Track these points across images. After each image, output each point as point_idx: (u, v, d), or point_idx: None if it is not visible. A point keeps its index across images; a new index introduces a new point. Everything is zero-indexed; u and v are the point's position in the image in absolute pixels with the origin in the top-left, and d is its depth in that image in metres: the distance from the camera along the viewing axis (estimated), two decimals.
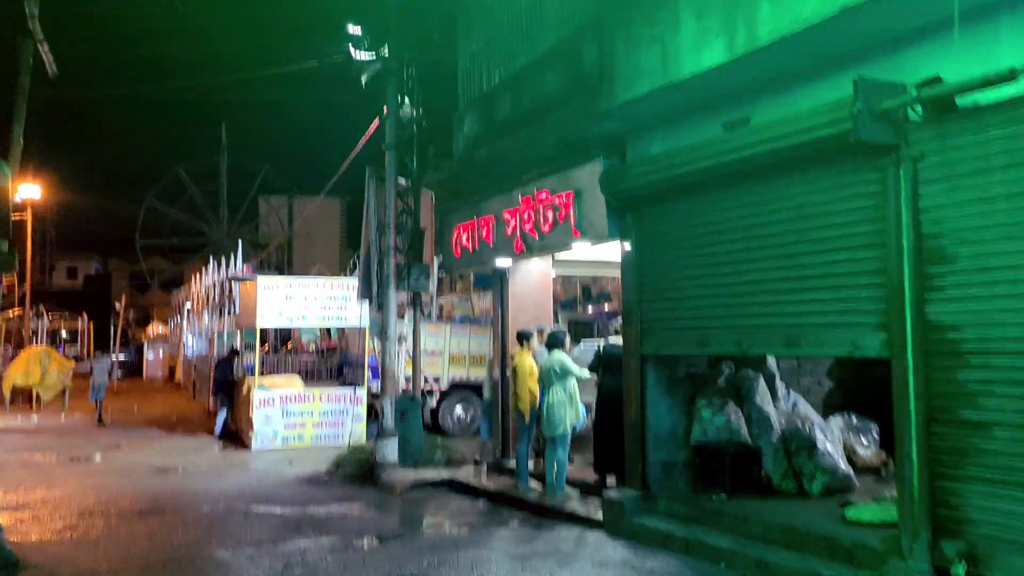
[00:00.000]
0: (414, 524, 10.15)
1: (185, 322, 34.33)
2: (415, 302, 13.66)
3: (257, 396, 16.42)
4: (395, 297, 12.78)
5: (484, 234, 11.47)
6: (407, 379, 15.81)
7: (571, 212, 9.60)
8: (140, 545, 8.89)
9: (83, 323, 39.44)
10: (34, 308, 37.37)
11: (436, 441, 13.92)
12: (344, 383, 20.04)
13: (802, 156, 6.84)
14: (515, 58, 10.93)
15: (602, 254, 11.60)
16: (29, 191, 31.01)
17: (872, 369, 9.92)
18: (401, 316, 15.47)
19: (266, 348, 23.39)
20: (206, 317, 27.30)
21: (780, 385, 9.39)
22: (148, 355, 44.78)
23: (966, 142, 5.82)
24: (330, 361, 22.88)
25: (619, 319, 20.01)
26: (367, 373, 17.71)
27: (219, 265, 25.14)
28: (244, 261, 22.85)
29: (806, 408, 9.51)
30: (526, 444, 10.66)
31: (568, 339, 10.50)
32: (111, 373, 21.97)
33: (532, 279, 12.14)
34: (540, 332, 10.99)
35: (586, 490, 10.08)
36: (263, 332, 17.97)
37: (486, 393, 14.91)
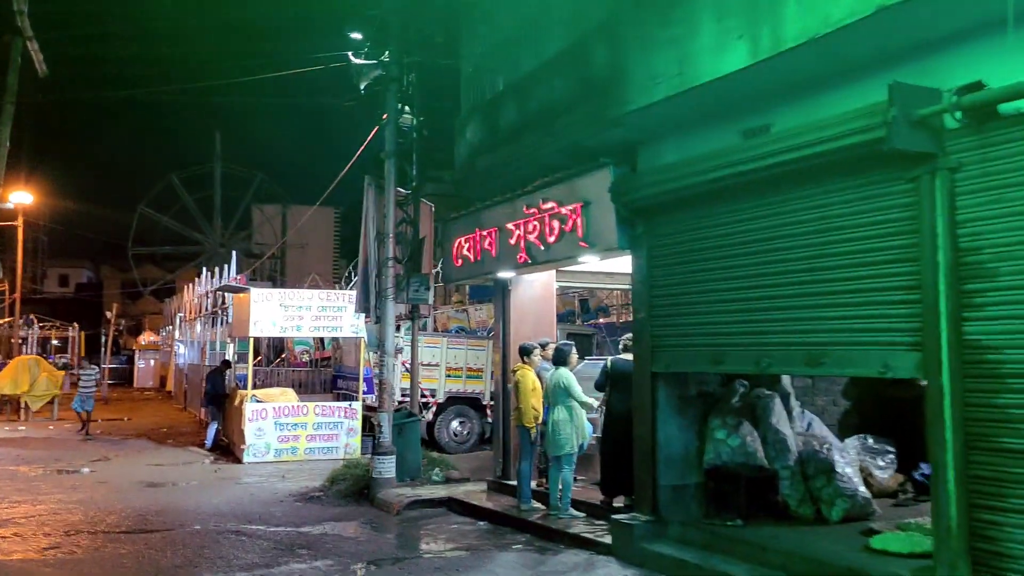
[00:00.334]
0: (412, 547, 9.75)
1: (177, 331, 33.93)
2: (413, 314, 13.28)
3: (250, 408, 16.04)
4: (393, 309, 12.38)
5: (486, 244, 11.11)
6: (403, 392, 15.46)
7: (578, 223, 9.24)
8: (127, 567, 8.51)
9: (74, 332, 38.93)
10: (24, 316, 36.84)
11: (433, 457, 13.53)
12: (338, 396, 19.70)
13: (828, 165, 6.49)
14: (520, 63, 10.60)
15: (605, 266, 11.28)
16: (20, 198, 30.51)
17: (889, 390, 9.64)
18: (397, 328, 15.11)
19: (259, 360, 22.98)
20: (198, 327, 26.92)
21: (795, 405, 9.03)
22: (139, 364, 44.37)
23: (1009, 152, 5.47)
24: (324, 373, 22.50)
25: (623, 334, 19.72)
26: (362, 386, 17.37)
27: (212, 274, 24.76)
28: (238, 271, 22.44)
29: (822, 429, 9.15)
30: (529, 462, 10.27)
31: (575, 354, 10.12)
32: (98, 383, 21.39)
33: (533, 291, 11.77)
34: (543, 346, 10.61)
35: (592, 512, 9.68)
36: (255, 344, 17.57)
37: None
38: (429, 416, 17.16)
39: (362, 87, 13.08)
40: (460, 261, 11.79)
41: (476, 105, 11.43)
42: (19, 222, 30.97)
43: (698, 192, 7.71)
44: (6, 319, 36.27)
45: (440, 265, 16.82)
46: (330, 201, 46.72)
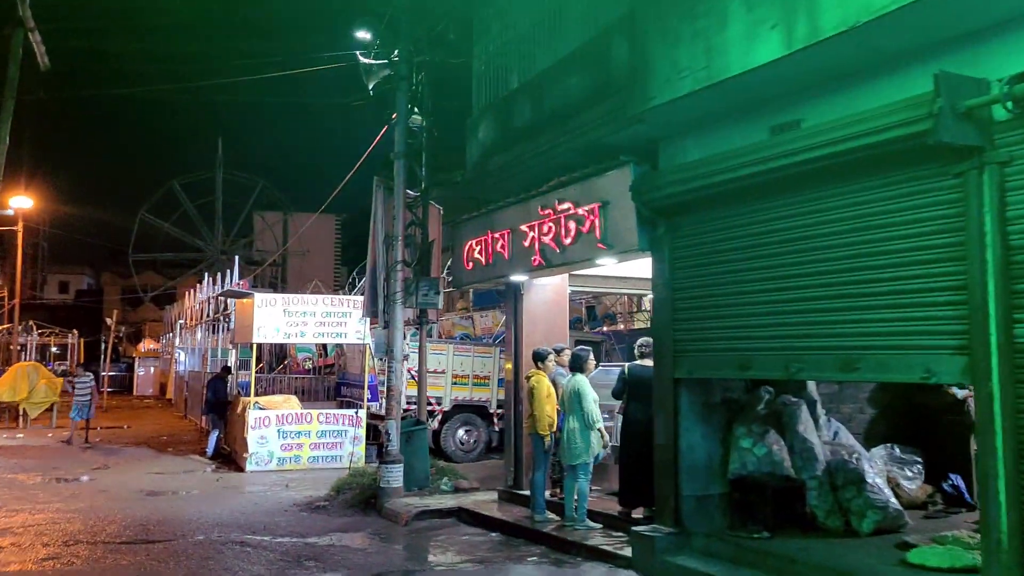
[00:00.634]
0: (422, 559, 9.41)
1: (177, 338, 33.63)
2: (421, 319, 12.97)
3: (252, 416, 15.72)
4: (402, 314, 12.07)
5: (499, 247, 10.80)
6: (408, 400, 15.14)
7: (596, 223, 8.94)
8: None
9: (73, 339, 38.63)
10: (23, 323, 36.54)
11: (441, 466, 13.21)
12: (342, 403, 19.39)
13: (866, 161, 6.20)
14: (534, 60, 10.35)
15: (618, 270, 11.03)
16: (20, 202, 30.23)
17: (917, 397, 9.35)
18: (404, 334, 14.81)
19: (260, 366, 22.67)
20: (199, 333, 26.62)
21: (821, 413, 8.71)
22: (139, 371, 44.06)
23: None
24: (327, 380, 22.19)
25: (631, 340, 19.38)
26: (366, 393, 17.06)
27: (214, 280, 24.47)
28: (239, 277, 22.15)
29: (848, 438, 8.83)
30: (543, 471, 9.95)
31: (592, 359, 9.80)
32: (94, 390, 20.93)
33: (546, 296, 11.46)
34: (557, 352, 10.30)
35: (609, 523, 9.36)
36: (257, 350, 17.27)
37: None
38: (435, 424, 16.84)
39: (371, 87, 12.80)
40: (471, 264, 11.48)
41: (489, 104, 11.14)
42: (19, 227, 30.65)
43: (724, 190, 7.41)
44: (5, 325, 35.95)
45: (448, 268, 16.59)
46: (332, 208, 46.65)
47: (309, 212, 52.32)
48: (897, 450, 9.17)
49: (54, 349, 44.96)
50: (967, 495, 8.94)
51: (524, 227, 10.22)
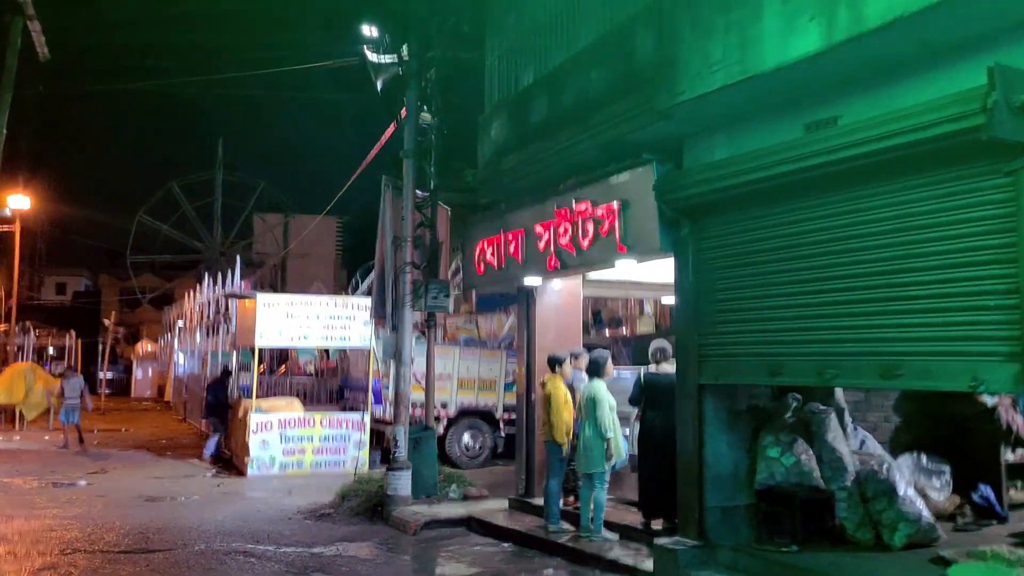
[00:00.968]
0: (432, 570, 9.13)
1: (176, 340, 33.30)
2: (429, 322, 12.66)
3: (254, 419, 15.40)
4: (411, 317, 11.76)
5: (512, 249, 10.49)
6: (414, 405, 14.83)
7: (616, 224, 8.63)
8: None
9: (71, 340, 38.29)
10: (20, 323, 36.18)
11: (450, 472, 12.89)
12: (345, 407, 19.07)
13: (909, 158, 5.92)
14: (550, 55, 10.04)
15: (632, 274, 10.71)
16: (18, 202, 29.89)
17: (944, 405, 9.04)
18: None
19: (261, 369, 22.36)
20: (199, 335, 26.29)
21: (848, 421, 8.41)
22: (137, 373, 43.72)
23: None
24: (330, 383, 21.86)
25: (637, 345, 19.07)
26: (370, 397, 16.75)
27: (215, 282, 24.15)
28: (241, 278, 21.82)
29: (875, 447, 8.55)
30: (558, 480, 9.63)
31: (611, 364, 9.49)
32: (84, 393, 20.54)
33: (559, 299, 11.15)
34: (574, 357, 9.99)
35: (626, 534, 9.04)
36: (258, 353, 16.94)
37: None
38: (440, 430, 16.51)
39: (379, 84, 12.50)
40: (482, 267, 11.17)
41: (502, 101, 10.85)
42: (16, 227, 30.32)
43: (755, 189, 7.12)
44: (2, 327, 35.59)
45: (453, 269, 16.30)
46: (333, 210, 46.42)
47: (310, 214, 52.16)
48: (924, 459, 8.87)
49: (51, 351, 44.57)
50: (997, 506, 8.66)
51: (539, 228, 9.92)
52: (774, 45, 6.41)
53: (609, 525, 9.20)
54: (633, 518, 9.32)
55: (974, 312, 5.61)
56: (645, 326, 24.56)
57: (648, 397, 9.23)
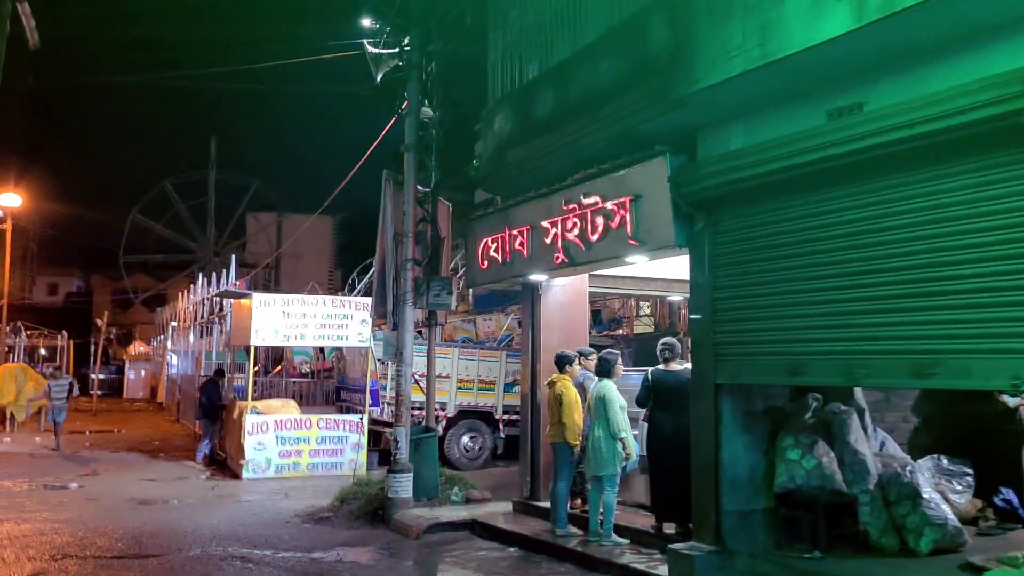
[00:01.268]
0: None
1: (169, 341, 32.94)
2: (431, 321, 12.35)
3: (250, 421, 15.08)
4: (412, 315, 11.44)
5: (517, 244, 10.18)
6: (412, 406, 14.52)
7: (627, 218, 8.33)
8: None
9: (63, 340, 37.89)
10: (11, 324, 35.74)
11: (451, 475, 12.58)
12: (341, 408, 18.75)
13: (941, 145, 5.65)
14: (555, 47, 9.74)
15: (640, 270, 10.45)
16: (8, 200, 29.46)
17: (965, 406, 8.77)
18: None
19: (256, 370, 22.04)
20: (192, 336, 25.94)
21: (868, 422, 8.12)
22: (129, 374, 43.32)
23: None
24: (326, 384, 21.53)
25: (637, 346, 18.79)
26: (368, 398, 16.44)
27: (209, 281, 23.80)
28: (236, 277, 21.48)
29: (895, 448, 8.28)
30: (567, 482, 9.33)
31: (620, 363, 9.19)
32: (70, 393, 20.20)
33: (565, 297, 10.85)
34: (582, 356, 9.69)
35: (637, 539, 8.74)
36: (253, 353, 16.62)
37: None
38: (439, 431, 16.20)
39: (378, 77, 12.20)
40: (486, 263, 10.85)
41: (506, 94, 10.54)
42: (7, 225, 29.91)
43: (774, 180, 6.84)
44: None
45: (454, 267, 16.01)
46: (328, 209, 46.05)
47: (304, 213, 51.80)
48: (945, 461, 8.58)
49: (43, 351, 44.12)
50: (1021, 510, 8.38)
51: (546, 223, 9.61)
52: (799, 27, 6.12)
53: (618, 529, 8.91)
54: (643, 521, 9.04)
55: (1015, 307, 5.33)
56: (644, 326, 24.35)
57: (656, 397, 8.95)
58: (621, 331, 22.84)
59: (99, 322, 37.51)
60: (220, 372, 18.58)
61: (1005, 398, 8.53)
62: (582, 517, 9.35)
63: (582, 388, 9.35)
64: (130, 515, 11.50)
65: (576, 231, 9.09)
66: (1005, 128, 5.18)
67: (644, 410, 9.31)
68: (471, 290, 19.44)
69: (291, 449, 15.36)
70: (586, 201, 8.94)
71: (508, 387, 17.22)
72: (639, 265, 9.47)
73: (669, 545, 7.67)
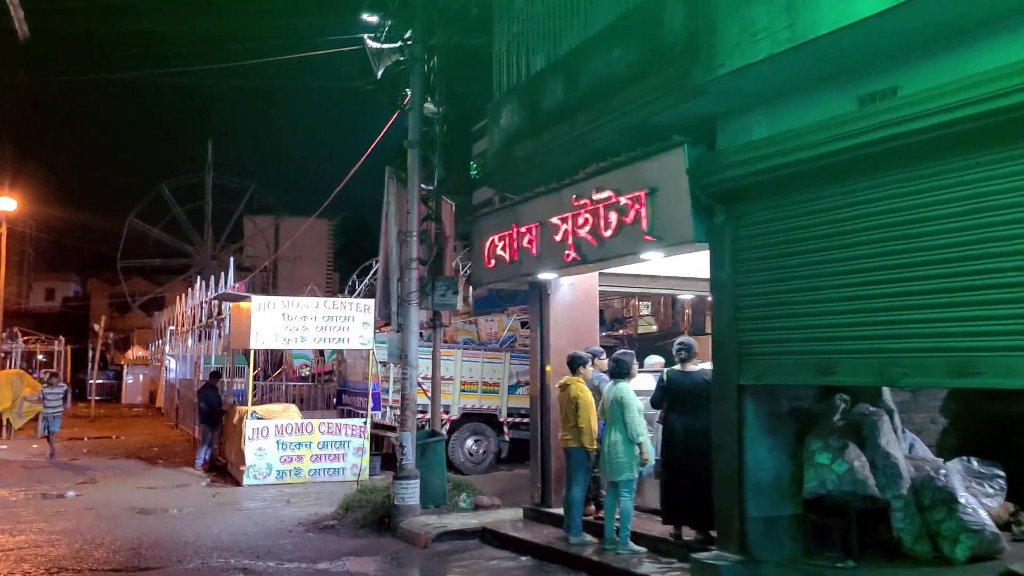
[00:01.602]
0: None
1: (167, 345, 32.60)
2: (436, 322, 12.01)
3: (250, 426, 14.73)
4: (417, 316, 11.10)
5: (525, 242, 9.84)
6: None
7: (642, 213, 7.99)
8: None
9: (60, 346, 37.55)
10: (8, 329, 35.38)
11: (459, 480, 12.23)
12: (342, 412, 18.42)
13: (982, 130, 5.35)
14: (563, 38, 9.42)
15: (650, 268, 10.14)
16: (4, 204, 29.08)
17: (993, 405, 8.43)
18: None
19: (256, 374, 21.70)
20: (191, 340, 25.61)
21: (898, 423, 7.78)
22: (128, 379, 42.98)
23: None
24: (326, 388, 21.19)
25: (640, 346, 18.48)
26: (370, 402, 16.10)
27: (207, 285, 23.47)
28: (235, 280, 21.15)
29: (924, 451, 7.95)
30: (582, 488, 8.98)
31: (636, 365, 8.86)
32: (66, 399, 19.74)
33: (575, 296, 10.51)
34: (596, 356, 9.36)
35: (655, 546, 8.39)
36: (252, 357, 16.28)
37: None
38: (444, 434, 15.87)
39: (379, 72, 11.85)
40: (493, 262, 10.51)
41: (513, 86, 10.20)
42: (2, 229, 29.52)
43: (802, 170, 6.52)
44: None
45: (456, 265, 15.64)
46: (325, 212, 45.76)
47: (301, 216, 51.54)
48: (974, 463, 8.22)
49: (40, 357, 43.76)
50: None
51: (555, 220, 9.27)
52: (831, 6, 5.78)
53: (634, 536, 8.55)
54: (660, 529, 8.68)
55: None
56: (645, 326, 24.04)
57: (672, 398, 8.60)
58: (622, 332, 22.54)
59: (96, 327, 37.13)
60: (217, 375, 18.24)
61: None
62: (596, 524, 9.01)
63: (596, 390, 9.00)
64: (129, 525, 11.16)
65: (588, 227, 8.75)
66: None
67: (659, 412, 8.97)
68: (471, 291, 19.10)
69: (292, 455, 15.02)
70: (598, 196, 8.60)
71: (513, 389, 16.91)
72: (648, 263, 9.17)
73: (692, 555, 7.33)
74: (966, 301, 5.53)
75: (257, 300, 15.41)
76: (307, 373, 23.83)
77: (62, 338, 38.08)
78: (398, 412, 15.19)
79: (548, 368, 10.32)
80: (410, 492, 10.61)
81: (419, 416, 13.55)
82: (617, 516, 8.48)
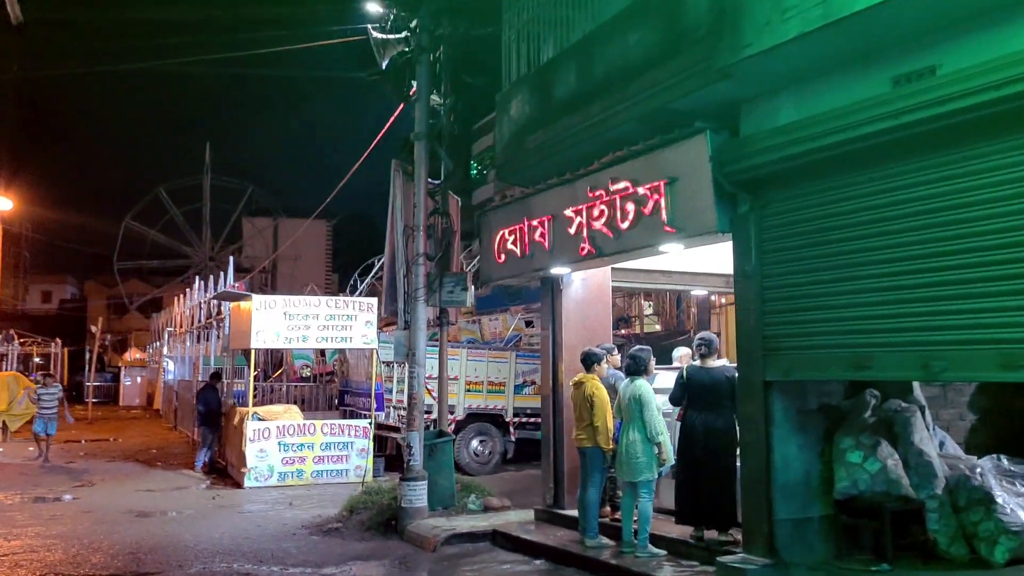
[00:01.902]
0: None
1: (166, 347, 32.27)
2: (442, 319, 11.70)
3: (251, 427, 14.43)
4: (425, 313, 10.79)
5: (537, 236, 9.53)
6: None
7: (661, 203, 7.68)
8: None
9: (56, 348, 37.23)
10: (4, 332, 35.05)
11: (467, 482, 11.92)
12: (345, 413, 18.11)
13: None
14: (575, 24, 9.13)
15: (664, 263, 9.85)
16: (1, 205, 28.74)
17: (1022, 401, 8.16)
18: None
19: (256, 374, 21.38)
20: (189, 341, 25.28)
21: (929, 420, 7.49)
22: (125, 381, 42.64)
23: None
24: (329, 388, 20.86)
25: (641, 344, 18.14)
26: (373, 402, 15.79)
27: (206, 284, 23.14)
28: (235, 279, 20.83)
29: (955, 448, 7.66)
30: (598, 489, 8.67)
31: (653, 361, 8.56)
32: (62, 402, 19.25)
33: (587, 292, 10.20)
34: (609, 353, 9.05)
35: (674, 549, 8.08)
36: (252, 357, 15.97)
37: None
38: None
39: (384, 63, 11.55)
40: (503, 257, 10.20)
41: (524, 75, 9.90)
42: None
43: (834, 155, 6.23)
44: None
45: (463, 261, 15.35)
46: (324, 213, 45.44)
47: (299, 217, 51.25)
48: (1005, 462, 7.91)
49: (37, 359, 43.43)
50: None
51: (569, 212, 8.97)
52: None
53: (652, 538, 8.24)
54: (679, 530, 8.36)
55: None
56: (649, 324, 23.72)
57: (692, 396, 8.30)
58: (626, 331, 22.25)
59: (93, 329, 36.82)
60: (217, 376, 17.92)
61: None
62: (612, 526, 8.71)
63: (612, 388, 8.69)
64: (127, 528, 10.85)
65: (603, 219, 8.45)
66: None
67: (677, 410, 8.67)
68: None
69: (294, 456, 14.71)
70: (614, 186, 8.30)
71: (519, 388, 16.62)
72: (662, 257, 8.88)
73: (718, 559, 7.02)
74: (1015, 290, 5.23)
75: (258, 299, 15.11)
76: (308, 374, 23.50)
77: (59, 340, 37.76)
78: (402, 413, 14.96)
79: (561, 366, 10.02)
80: (418, 494, 10.30)
81: (424, 416, 13.28)
82: (636, 518, 8.18)
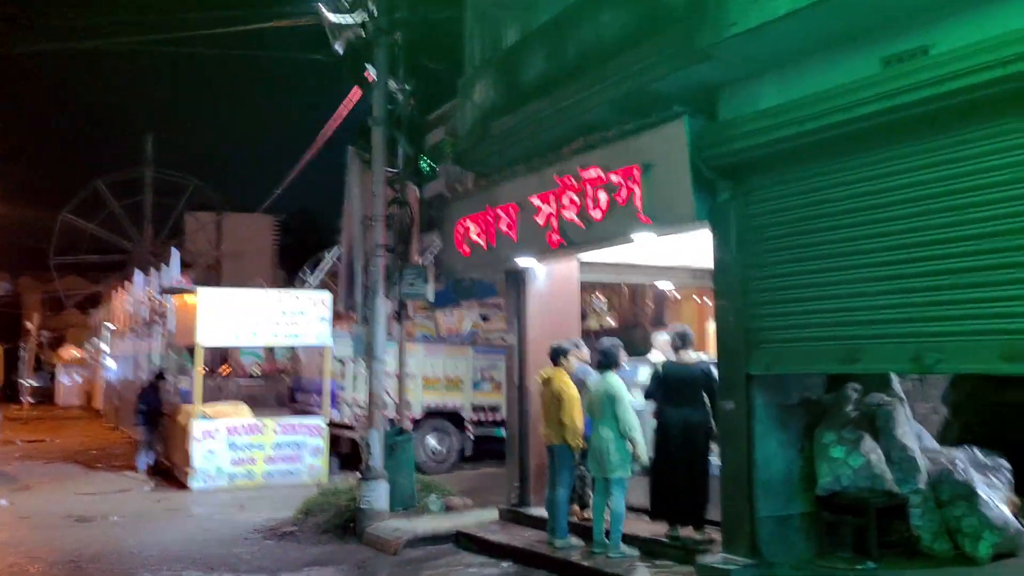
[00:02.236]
0: None
1: (105, 344, 31.22)
2: (401, 313, 11.31)
3: (198, 427, 13.87)
4: (384, 307, 10.38)
5: (503, 226, 9.17)
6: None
7: (636, 192, 7.40)
8: None
9: None
10: None
11: (427, 481, 11.54)
12: (296, 412, 17.56)
13: None
14: (539, 9, 8.80)
15: (632, 255, 9.60)
16: None
17: (996, 393, 8.04)
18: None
19: (203, 372, 20.67)
20: (131, 337, 24.42)
21: (908, 413, 7.31)
22: (63, 380, 41.34)
23: None
24: (278, 386, 20.25)
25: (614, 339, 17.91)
26: (327, 400, 15.30)
27: (149, 277, 22.34)
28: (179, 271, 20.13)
29: (932, 442, 7.49)
30: (567, 488, 8.37)
31: (624, 354, 8.28)
32: None
33: (553, 285, 9.89)
34: (577, 347, 8.75)
35: (648, 548, 7.82)
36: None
37: None
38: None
39: (338, 47, 11.09)
40: (467, 249, 9.82)
41: (487, 60, 9.56)
42: None
43: (821, 140, 6.00)
44: None
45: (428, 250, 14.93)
46: (270, 209, 44.58)
47: (244, 212, 50.16)
48: (979, 454, 7.80)
49: None
50: None
51: (536, 200, 8.63)
52: None
53: (624, 538, 7.95)
54: (651, 529, 8.09)
55: None
56: (605, 321, 23.55)
57: (667, 390, 8.04)
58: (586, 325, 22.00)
59: (29, 325, 35.55)
60: (160, 376, 17.25)
61: None
62: (582, 526, 8.43)
63: (581, 383, 8.39)
64: (68, 534, 10.29)
65: (575, 208, 8.14)
66: None
67: (653, 405, 8.40)
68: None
69: (244, 456, 14.20)
70: (585, 174, 7.99)
71: (476, 385, 16.26)
72: (630, 251, 8.67)
73: (698, 559, 6.78)
74: (1014, 279, 5.04)
75: (204, 292, 14.54)
76: (257, 371, 22.83)
77: None
78: (357, 410, 14.50)
79: (527, 359, 9.70)
80: (377, 495, 9.89)
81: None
82: (607, 517, 7.90)
